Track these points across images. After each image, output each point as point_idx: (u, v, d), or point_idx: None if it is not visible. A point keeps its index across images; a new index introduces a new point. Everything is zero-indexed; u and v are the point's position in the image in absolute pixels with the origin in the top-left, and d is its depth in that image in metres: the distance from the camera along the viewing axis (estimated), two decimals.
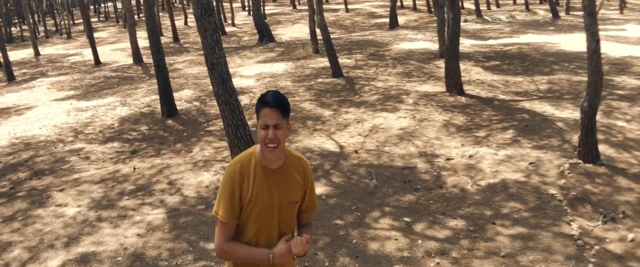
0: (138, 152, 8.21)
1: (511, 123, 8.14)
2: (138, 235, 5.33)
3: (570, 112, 8.56)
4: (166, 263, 4.74)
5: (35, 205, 6.43)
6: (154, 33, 9.64)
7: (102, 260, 4.90)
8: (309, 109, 9.79)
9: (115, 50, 26.01)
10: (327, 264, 4.55)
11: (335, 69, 12.24)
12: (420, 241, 4.86)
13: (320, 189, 6.14)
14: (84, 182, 7.06)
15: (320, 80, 12.16)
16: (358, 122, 8.76)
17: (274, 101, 2.25)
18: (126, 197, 6.36)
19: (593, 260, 4.40)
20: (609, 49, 13.34)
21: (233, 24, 32.89)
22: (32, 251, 5.22)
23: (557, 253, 4.53)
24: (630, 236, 4.74)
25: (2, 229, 5.84)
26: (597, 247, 4.59)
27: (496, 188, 5.93)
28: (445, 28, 10.58)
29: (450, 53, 9.85)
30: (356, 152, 7.32)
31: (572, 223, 5.02)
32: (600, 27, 18.53)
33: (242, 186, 2.30)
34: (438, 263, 4.48)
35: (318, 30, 13.83)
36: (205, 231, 5.29)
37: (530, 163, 6.48)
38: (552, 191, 5.73)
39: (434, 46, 15.59)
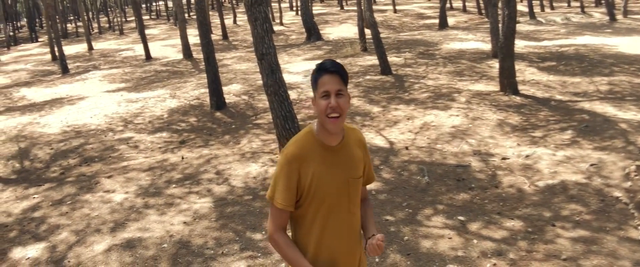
0: (186, 143, 8.23)
1: (570, 124, 7.75)
2: (184, 223, 5.28)
3: (634, 114, 8.09)
4: (212, 252, 4.67)
5: (84, 190, 6.51)
6: (204, 26, 9.68)
7: (147, 246, 4.88)
8: (358, 105, 9.62)
9: (165, 46, 26.49)
10: (377, 260, 4.38)
11: (384, 67, 12.02)
12: (475, 241, 4.62)
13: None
14: (132, 169, 7.11)
15: (368, 77, 11.97)
16: (408, 119, 8.54)
17: (334, 67, 2.08)
18: (173, 186, 6.36)
19: None
20: None
21: (281, 23, 33.03)
22: (79, 235, 5.25)
23: (624, 258, 4.22)
24: None
25: (50, 213, 5.92)
26: None
27: (555, 189, 5.62)
28: (500, 26, 10.22)
29: (505, 51, 9.50)
30: (407, 148, 7.11)
31: (639, 227, 4.68)
32: None
33: (300, 170, 2.11)
34: (495, 264, 4.24)
35: (366, 30, 13.66)
36: (253, 221, 5.20)
37: (592, 164, 6.13)
38: (617, 193, 5.38)
39: (486, 46, 15.16)
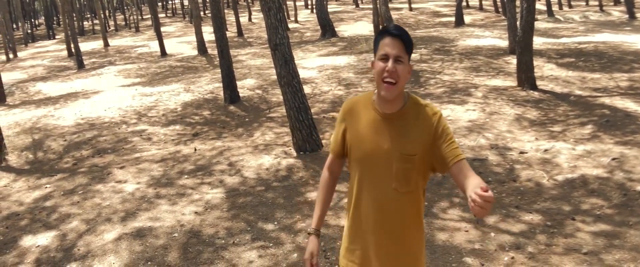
0: (199, 135, 8.18)
1: (590, 118, 7.57)
2: (195, 213, 5.22)
3: None
4: (223, 241, 4.59)
5: (96, 180, 6.48)
6: (218, 19, 9.62)
7: (157, 235, 4.82)
8: None
9: (180, 42, 26.59)
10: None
11: None
12: (492, 234, 4.49)
13: None
14: (144, 161, 7.07)
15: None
16: None
17: (397, 30, 1.97)
18: (185, 177, 6.30)
19: None
20: None
21: (296, 21, 32.99)
22: (89, 223, 5.21)
23: None
24: None
25: (62, 202, 5.90)
26: None
27: (575, 183, 5.46)
28: (518, 20, 10.04)
29: (523, 45, 9.32)
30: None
31: None
32: None
33: (347, 125, 2.14)
34: (513, 257, 4.10)
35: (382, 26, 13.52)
36: (265, 211, 5.11)
37: (614, 159, 5.96)
38: None
39: (503, 43, 14.94)
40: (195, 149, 7.37)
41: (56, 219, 5.43)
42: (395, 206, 2.06)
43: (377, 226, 2.10)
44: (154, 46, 24.50)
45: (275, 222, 4.86)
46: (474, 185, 1.84)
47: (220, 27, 9.52)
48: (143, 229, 4.94)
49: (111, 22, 48.60)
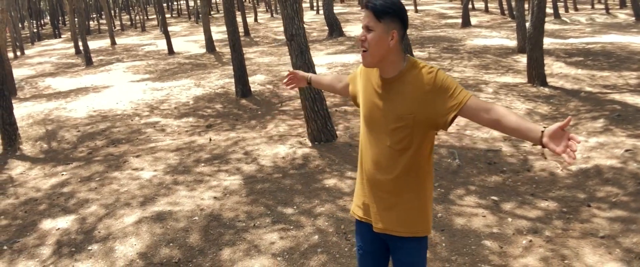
0: (213, 127, 8.25)
1: (601, 113, 7.62)
2: (214, 198, 5.28)
3: None
4: (244, 224, 4.66)
5: (112, 168, 6.55)
6: (231, 14, 9.70)
7: (178, 219, 4.88)
8: None
9: (187, 41, 26.69)
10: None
11: None
12: (510, 219, 4.55)
13: None
14: (159, 150, 7.14)
15: None
16: None
17: (370, 2, 2.09)
18: (202, 165, 6.37)
19: None
20: None
21: (302, 22, 33.10)
22: (108, 208, 5.27)
23: None
24: None
25: (79, 188, 5.96)
26: None
27: (589, 173, 5.52)
28: (529, 18, 10.10)
29: (533, 41, 9.38)
30: (436, 133, 7.04)
31: None
32: None
33: (358, 80, 2.35)
34: (531, 241, 4.16)
35: None
36: (283, 197, 5.18)
37: (627, 150, 6.01)
38: None
39: (511, 43, 15.02)
40: (210, 140, 7.44)
41: (75, 204, 5.49)
42: (389, 162, 2.20)
43: (375, 180, 2.26)
44: (161, 45, 24.61)
45: (295, 207, 4.93)
46: (551, 131, 1.85)
47: (232, 22, 9.59)
48: (163, 213, 5.01)
49: (117, 22, 48.78)
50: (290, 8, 6.29)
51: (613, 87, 9.40)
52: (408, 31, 18.58)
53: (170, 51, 21.50)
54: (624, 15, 26.59)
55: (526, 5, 10.40)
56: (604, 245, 4.03)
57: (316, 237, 4.31)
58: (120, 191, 5.71)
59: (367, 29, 2.10)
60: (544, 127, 1.88)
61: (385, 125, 2.18)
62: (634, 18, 23.00)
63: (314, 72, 6.67)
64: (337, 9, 39.54)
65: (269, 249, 4.16)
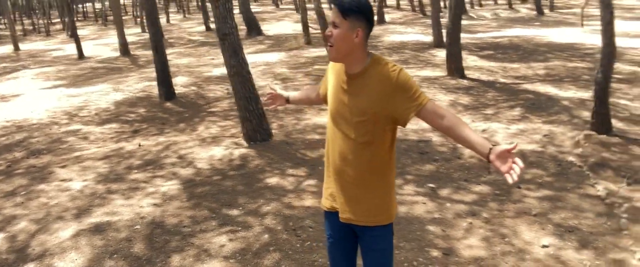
0: (139, 132, 7.99)
1: (517, 102, 8.14)
2: (154, 204, 5.14)
3: (573, 92, 8.61)
4: (189, 229, 4.57)
5: (37, 181, 6.19)
6: (153, 15, 9.42)
7: (118, 229, 4.70)
8: None
9: (98, 45, 25.49)
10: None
11: None
12: (448, 204, 4.78)
13: None
14: (86, 159, 6.83)
15: (317, 67, 12.06)
16: None
17: (336, 0, 2.18)
18: (135, 171, 6.17)
19: (625, 215, 4.38)
20: (599, 41, 13.49)
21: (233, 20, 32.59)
22: (39, 223, 4.98)
23: (588, 211, 4.51)
24: None
25: (3, 204, 5.59)
26: (626, 205, 4.57)
27: None
28: (448, 13, 10.56)
29: (452, 36, 9.84)
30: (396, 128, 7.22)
31: (596, 185, 5.00)
32: (585, 22, 18.68)
33: (329, 76, 2.43)
34: (470, 223, 4.40)
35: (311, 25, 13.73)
36: (227, 198, 5.13)
37: (544, 135, 6.47)
38: (571, 158, 5.72)
39: (427, 38, 15.62)
40: (140, 145, 7.21)
41: (1, 221, 5.15)
42: (354, 155, 2.29)
43: (341, 172, 2.36)
44: (70, 49, 23.38)
45: (240, 208, 4.90)
46: (498, 151, 2.01)
47: (154, 23, 9.33)
48: (101, 224, 4.81)
49: (18, 27, 45.73)
50: (223, 7, 6.22)
51: (524, 78, 10.05)
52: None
53: (81, 56, 20.49)
54: (525, 10, 28.36)
55: (442, 3, 10.88)
56: (538, 222, 4.34)
57: (266, 236, 4.32)
58: (50, 204, 5.42)
59: (333, 25, 2.18)
60: (493, 145, 2.03)
61: (350, 119, 2.26)
62: (535, 12, 24.59)
63: (249, 72, 6.63)
64: (252, 8, 39.34)
65: (220, 252, 4.12)
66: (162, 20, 33.94)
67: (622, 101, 7.99)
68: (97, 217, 4.98)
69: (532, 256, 3.84)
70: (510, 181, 1.96)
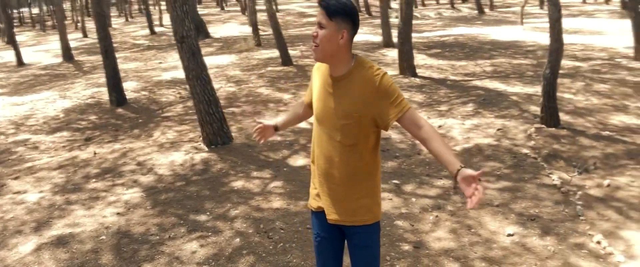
0: (92, 140, 7.77)
1: (469, 98, 8.41)
2: (118, 214, 5.03)
3: (521, 88, 8.96)
4: (157, 237, 4.50)
5: None
6: (102, 18, 9.17)
7: (82, 240, 4.58)
8: (267, 93, 9.67)
9: (37, 51, 24.49)
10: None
11: (285, 58, 12.16)
12: (414, 199, 4.91)
13: (302, 161, 6.08)
14: (39, 169, 6.60)
15: (270, 68, 12.05)
16: None
17: (324, 1, 2.20)
18: (93, 180, 6.00)
19: (580, 202, 4.63)
20: (540, 38, 14.11)
21: (161, 25, 31.95)
22: None
23: (546, 200, 4.73)
24: (606, 182, 5.03)
25: None
26: (580, 192, 4.83)
27: (472, 151, 6.10)
28: (398, 14, 10.78)
29: (404, 36, 10.05)
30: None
31: (551, 175, 5.25)
32: (525, 20, 19.37)
33: (313, 79, 2.46)
34: (437, 216, 4.54)
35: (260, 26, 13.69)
36: (192, 204, 5.07)
37: (498, 129, 6.72)
38: (525, 150, 5.97)
39: (377, 38, 15.86)
40: (95, 153, 7.01)
41: None
42: (340, 157, 2.33)
43: (327, 174, 2.40)
44: (6, 56, 22.36)
45: (207, 213, 4.86)
46: (465, 174, 2.05)
47: (103, 26, 9.08)
48: (64, 236, 4.66)
49: None
50: (180, 9, 6.13)
51: (473, 75, 10.37)
52: (271, 32, 18.42)
53: (20, 63, 19.65)
54: (467, 9, 29.22)
55: (391, 4, 11.11)
56: (500, 212, 4.52)
57: (237, 240, 4.30)
58: (5, 218, 5.20)
59: (319, 25, 2.21)
60: (461, 166, 2.09)
61: (335, 121, 2.30)
62: (476, 11, 25.38)
63: (208, 74, 6.57)
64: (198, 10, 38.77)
65: (192, 259, 4.08)
66: None
67: (567, 95, 8.39)
68: (58, 229, 4.83)
69: (499, 244, 4.00)
70: (469, 206, 2.03)
